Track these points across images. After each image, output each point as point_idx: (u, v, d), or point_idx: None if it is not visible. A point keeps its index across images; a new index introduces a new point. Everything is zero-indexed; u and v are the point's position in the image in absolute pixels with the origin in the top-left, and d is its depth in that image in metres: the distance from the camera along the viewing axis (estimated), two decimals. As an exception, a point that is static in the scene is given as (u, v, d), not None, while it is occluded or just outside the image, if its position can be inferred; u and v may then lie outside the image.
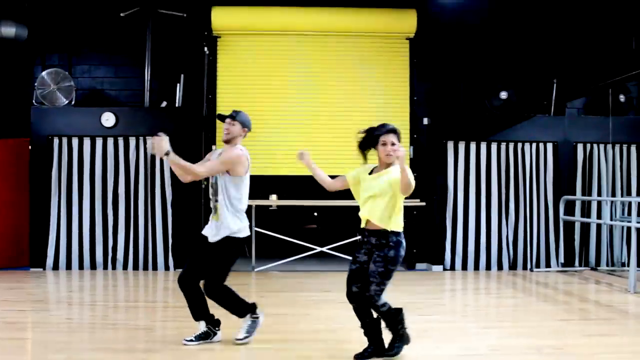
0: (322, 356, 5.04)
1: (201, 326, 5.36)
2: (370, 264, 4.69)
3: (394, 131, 4.74)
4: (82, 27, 10.52)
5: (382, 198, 4.70)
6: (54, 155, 9.92)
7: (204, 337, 5.34)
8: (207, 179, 6.08)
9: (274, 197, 10.50)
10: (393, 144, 4.67)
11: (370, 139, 4.83)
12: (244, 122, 5.41)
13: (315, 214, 24.46)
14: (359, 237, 4.90)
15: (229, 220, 5.30)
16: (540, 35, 10.66)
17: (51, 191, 9.87)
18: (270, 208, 11.54)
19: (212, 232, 5.38)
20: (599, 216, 10.25)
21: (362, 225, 4.82)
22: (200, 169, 5.31)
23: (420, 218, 10.26)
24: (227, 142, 5.39)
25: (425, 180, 10.23)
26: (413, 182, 4.50)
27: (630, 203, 9.87)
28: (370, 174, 4.86)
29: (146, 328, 6.21)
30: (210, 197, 5.51)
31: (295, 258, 10.36)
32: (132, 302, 7.56)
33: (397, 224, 4.75)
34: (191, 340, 5.31)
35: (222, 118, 5.43)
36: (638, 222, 8.30)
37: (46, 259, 9.82)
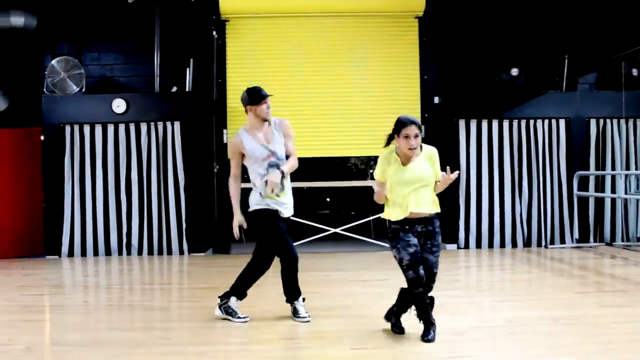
0: (337, 330, 5.04)
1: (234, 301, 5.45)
2: (428, 255, 4.65)
3: (416, 123, 4.62)
4: (90, 15, 10.53)
5: (428, 186, 4.71)
6: (66, 143, 9.97)
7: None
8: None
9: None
10: (416, 136, 4.59)
11: (394, 131, 4.70)
12: None
13: (328, 199, 24.51)
14: (394, 227, 4.74)
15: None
16: (551, 10, 10.56)
17: (64, 179, 9.94)
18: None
19: (289, 207, 5.44)
20: (613, 191, 10.20)
21: (402, 216, 4.68)
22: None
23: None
24: (266, 120, 5.37)
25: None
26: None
27: (644, 177, 9.83)
28: (402, 164, 4.70)
29: (162, 308, 6.25)
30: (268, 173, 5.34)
31: (307, 240, 10.38)
32: (148, 285, 7.60)
33: (438, 207, 4.80)
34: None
35: (265, 96, 5.37)
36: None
37: (61, 246, 9.90)
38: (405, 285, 4.74)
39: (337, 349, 4.54)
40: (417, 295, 4.63)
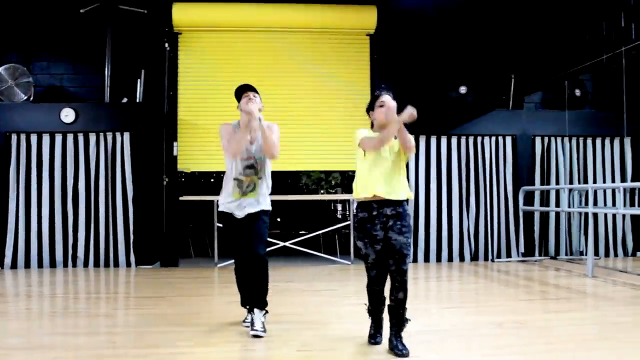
0: (284, 335, 5.04)
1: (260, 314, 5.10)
2: (398, 236, 4.41)
3: (389, 92, 4.61)
4: (40, 24, 10.39)
5: (394, 169, 4.50)
6: (12, 152, 9.76)
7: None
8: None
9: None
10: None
11: (371, 103, 4.65)
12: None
13: (279, 219, 24.43)
14: (357, 210, 4.60)
15: (267, 197, 5.32)
16: (499, 31, 10.83)
17: (9, 189, 9.70)
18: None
19: (252, 206, 5.20)
20: (557, 206, 10.45)
21: (366, 196, 4.50)
22: (277, 147, 5.25)
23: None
24: (250, 113, 5.25)
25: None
26: (412, 140, 4.47)
27: (587, 193, 10.11)
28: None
29: (107, 315, 6.14)
30: (245, 174, 5.21)
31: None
32: (94, 294, 7.45)
33: (409, 193, 4.58)
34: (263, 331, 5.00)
35: (249, 88, 5.41)
36: (594, 208, 8.47)
37: (4, 258, 9.64)
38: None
39: (283, 352, 4.54)
40: (375, 292, 4.64)
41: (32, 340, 5.02)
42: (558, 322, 5.52)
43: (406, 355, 4.30)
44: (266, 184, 5.28)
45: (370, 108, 4.67)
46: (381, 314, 4.74)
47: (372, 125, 4.70)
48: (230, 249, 5.34)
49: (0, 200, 9.70)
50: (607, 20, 9.87)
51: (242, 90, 5.35)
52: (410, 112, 4.32)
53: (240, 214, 5.19)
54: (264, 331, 4.99)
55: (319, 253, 10.86)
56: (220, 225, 9.08)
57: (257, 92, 5.37)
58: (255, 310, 5.08)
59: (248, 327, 5.11)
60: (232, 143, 5.14)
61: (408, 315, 4.54)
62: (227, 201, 5.24)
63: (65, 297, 7.21)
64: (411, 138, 4.45)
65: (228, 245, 5.38)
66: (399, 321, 4.48)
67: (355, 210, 4.71)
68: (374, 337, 4.70)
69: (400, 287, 4.43)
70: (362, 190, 4.53)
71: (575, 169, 10.72)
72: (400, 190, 4.51)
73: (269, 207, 5.30)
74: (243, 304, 5.47)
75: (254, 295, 5.13)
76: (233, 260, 5.39)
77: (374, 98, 4.63)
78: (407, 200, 4.58)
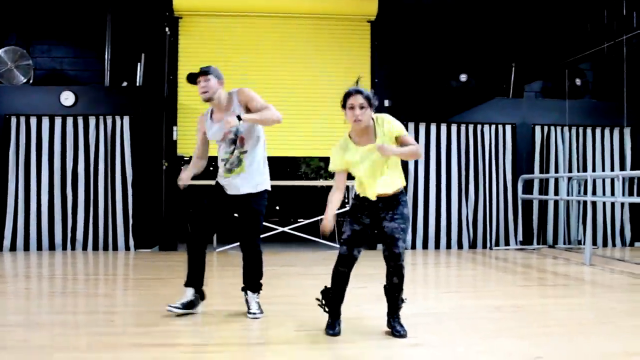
0: (280, 315, 5.06)
1: (189, 293, 5.04)
2: (389, 223, 4.34)
3: (362, 93, 4.28)
4: (41, 7, 10.35)
5: (389, 168, 4.36)
6: (11, 134, 9.76)
7: (188, 306, 5.00)
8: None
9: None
10: (362, 107, 4.24)
11: (342, 105, 4.38)
12: (218, 75, 5.05)
13: (277, 207, 24.44)
14: (354, 202, 4.51)
15: (259, 173, 5.06)
16: (500, 19, 10.82)
17: (8, 171, 9.71)
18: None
19: (243, 185, 4.99)
20: (556, 195, 10.47)
21: (362, 195, 4.43)
22: (274, 110, 4.99)
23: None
24: (208, 100, 4.99)
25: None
26: (418, 151, 4.36)
27: (586, 182, 10.12)
28: (356, 144, 4.39)
29: (106, 295, 6.16)
30: (230, 152, 4.99)
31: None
32: (92, 276, 7.47)
33: (403, 181, 4.48)
34: (177, 308, 4.94)
35: (194, 77, 5.01)
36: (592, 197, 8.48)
37: (3, 240, 9.65)
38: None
39: (280, 331, 4.55)
40: (340, 274, 4.45)
41: (32, 319, 5.06)
42: (556, 307, 5.54)
43: (404, 335, 4.31)
44: (254, 158, 5.01)
45: (343, 105, 4.38)
46: (340, 302, 4.54)
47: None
48: (195, 218, 5.05)
49: (0, 183, 9.70)
50: (609, 9, 9.86)
51: (193, 80, 5.05)
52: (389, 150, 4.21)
53: (230, 192, 5.03)
54: (261, 312, 5.01)
55: (316, 239, 10.87)
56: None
57: (207, 73, 4.98)
58: (249, 292, 5.08)
59: (171, 311, 4.92)
60: (196, 151, 5.19)
61: (404, 295, 4.49)
62: (219, 179, 5.09)
63: (64, 278, 7.24)
64: (413, 151, 4.32)
65: (194, 212, 5.10)
66: (394, 303, 4.45)
67: (353, 196, 4.66)
68: (332, 326, 4.46)
69: (394, 272, 4.33)
70: (358, 188, 4.49)
71: (574, 159, 10.73)
72: (392, 184, 4.40)
73: (263, 187, 5.04)
74: (189, 284, 5.08)
75: (248, 279, 5.10)
76: (192, 238, 5.07)
77: (345, 96, 4.35)
78: (403, 190, 4.49)
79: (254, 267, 5.09)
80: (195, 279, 5.07)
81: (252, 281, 5.10)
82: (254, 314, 4.97)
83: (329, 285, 4.55)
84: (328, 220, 4.30)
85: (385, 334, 4.41)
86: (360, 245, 4.43)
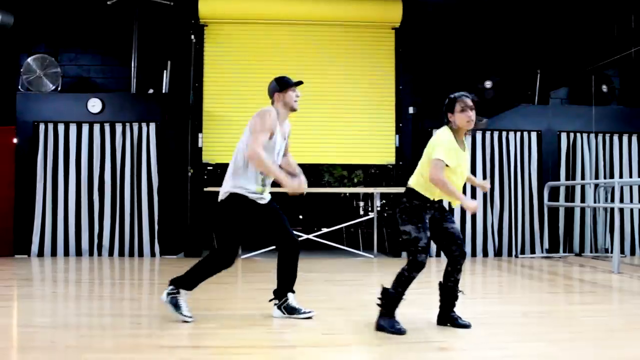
0: (310, 320, 5.05)
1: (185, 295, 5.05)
2: (452, 224, 4.72)
3: (468, 96, 4.63)
4: (69, 16, 10.51)
5: None
6: (39, 141, 9.89)
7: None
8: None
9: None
10: (472, 109, 4.55)
11: (447, 110, 4.62)
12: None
13: (300, 216, 24.51)
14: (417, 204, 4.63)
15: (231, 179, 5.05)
16: (525, 25, 10.76)
17: (36, 177, 9.83)
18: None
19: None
20: (582, 202, 10.36)
21: (437, 199, 4.66)
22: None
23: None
24: (294, 110, 5.16)
25: (410, 169, 10.23)
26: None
27: (612, 189, 10.00)
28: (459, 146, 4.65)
29: (132, 299, 6.20)
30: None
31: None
32: (118, 280, 7.53)
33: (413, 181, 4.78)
34: (190, 317, 4.95)
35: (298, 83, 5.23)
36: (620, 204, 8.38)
37: (31, 245, 9.77)
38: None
39: (308, 335, 4.55)
40: (411, 279, 4.54)
41: (58, 320, 5.11)
42: (583, 313, 5.48)
43: (470, 325, 4.72)
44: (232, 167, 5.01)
45: (449, 110, 4.61)
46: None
47: (447, 122, 4.67)
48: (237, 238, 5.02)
49: (28, 189, 9.82)
50: (636, 13, 9.75)
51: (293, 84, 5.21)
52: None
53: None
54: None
55: (342, 246, 10.86)
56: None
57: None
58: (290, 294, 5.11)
59: (187, 321, 4.89)
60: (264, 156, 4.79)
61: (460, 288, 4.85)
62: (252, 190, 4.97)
63: (91, 282, 7.29)
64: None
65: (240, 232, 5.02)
66: (455, 297, 4.81)
67: (407, 200, 4.67)
68: (398, 324, 4.55)
69: (460, 269, 4.76)
70: (428, 190, 4.63)
71: (601, 166, 10.62)
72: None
73: (223, 195, 4.98)
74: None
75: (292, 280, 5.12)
76: (232, 251, 5.02)
77: (452, 101, 4.59)
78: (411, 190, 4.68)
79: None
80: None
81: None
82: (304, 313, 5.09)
83: (386, 286, 4.62)
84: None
85: (414, 338, 4.39)
86: (447, 235, 4.72)
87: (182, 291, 4.99)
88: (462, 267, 4.73)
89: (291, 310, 5.06)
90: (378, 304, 4.62)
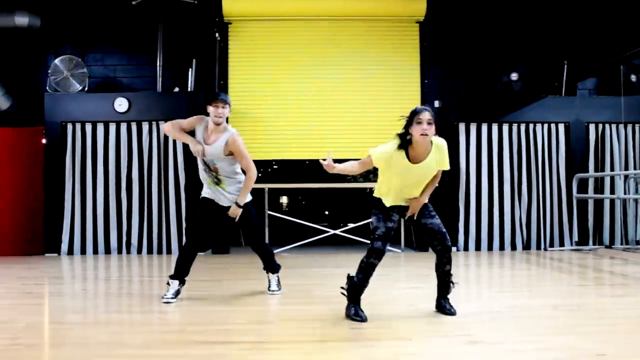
0: (335, 314, 5.04)
1: (175, 284, 5.78)
2: (431, 220, 4.97)
3: (429, 111, 4.65)
4: (94, 16, 10.62)
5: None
6: (67, 141, 10.00)
7: (176, 294, 5.75)
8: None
9: (284, 199, 10.66)
10: (429, 123, 4.57)
11: (408, 121, 4.66)
12: (230, 106, 5.75)
13: (327, 212, 24.49)
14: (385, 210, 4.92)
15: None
16: (550, 16, 10.66)
17: (65, 177, 9.95)
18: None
19: (230, 197, 5.90)
20: (612, 194, 10.22)
21: (394, 204, 4.91)
22: (253, 173, 5.83)
23: (432, 200, 10.21)
24: (217, 124, 5.62)
25: (437, 162, 10.21)
26: (436, 184, 5.01)
27: (643, 180, 9.86)
28: (407, 159, 4.69)
29: (161, 295, 6.23)
30: (210, 173, 5.82)
31: (307, 241, 10.40)
32: (147, 277, 7.59)
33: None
34: (172, 298, 5.69)
35: (216, 97, 5.63)
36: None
37: (61, 244, 9.90)
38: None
39: (335, 329, 4.55)
40: (372, 266, 4.82)
41: (89, 317, 5.17)
42: (615, 305, 5.41)
43: (454, 313, 4.90)
44: (231, 183, 5.88)
45: (410, 121, 4.66)
46: (364, 290, 4.94)
47: (402, 138, 4.71)
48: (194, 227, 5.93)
49: (57, 189, 9.94)
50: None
51: (215, 98, 5.63)
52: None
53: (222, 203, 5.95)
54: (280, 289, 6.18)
55: (368, 241, 10.82)
56: (271, 213, 9.44)
57: (226, 103, 5.64)
58: (270, 274, 6.21)
59: (168, 302, 5.63)
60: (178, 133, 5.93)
61: (454, 279, 5.09)
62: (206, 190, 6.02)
63: (120, 280, 7.36)
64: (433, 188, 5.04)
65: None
66: (447, 286, 5.02)
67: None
68: (360, 312, 4.84)
69: (447, 261, 4.96)
70: (385, 194, 4.99)
71: (630, 156, 10.47)
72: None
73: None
74: (177, 277, 5.79)
75: (269, 263, 6.20)
76: (195, 242, 5.88)
77: (413, 113, 4.67)
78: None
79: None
80: (184, 274, 5.82)
81: (273, 264, 6.25)
82: (274, 291, 6.11)
83: (352, 274, 5.02)
84: (335, 167, 4.69)
85: (443, 331, 4.38)
86: (390, 240, 4.90)
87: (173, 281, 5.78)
88: (451, 259, 4.95)
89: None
90: (342, 293, 5.02)
